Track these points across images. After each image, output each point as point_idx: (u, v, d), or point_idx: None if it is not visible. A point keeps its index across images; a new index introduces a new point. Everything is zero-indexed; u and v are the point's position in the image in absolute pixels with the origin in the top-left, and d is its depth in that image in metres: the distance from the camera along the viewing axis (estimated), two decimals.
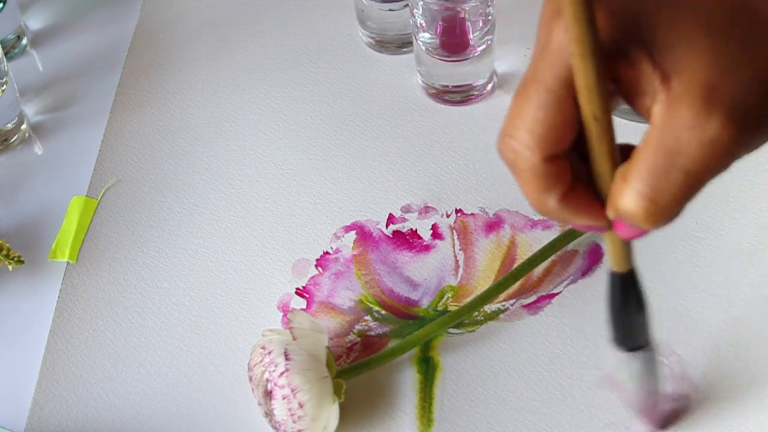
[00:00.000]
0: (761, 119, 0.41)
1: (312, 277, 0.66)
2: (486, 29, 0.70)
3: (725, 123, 0.39)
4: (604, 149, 0.42)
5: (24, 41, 0.81)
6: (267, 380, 0.56)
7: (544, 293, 0.63)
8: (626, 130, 0.71)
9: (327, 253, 0.67)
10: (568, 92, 0.41)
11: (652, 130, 0.40)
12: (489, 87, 0.74)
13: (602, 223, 0.44)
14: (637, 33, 0.41)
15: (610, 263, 0.48)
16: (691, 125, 0.39)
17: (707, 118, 0.39)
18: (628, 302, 0.49)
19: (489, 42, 0.71)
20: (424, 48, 0.71)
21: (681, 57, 0.40)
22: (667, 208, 0.41)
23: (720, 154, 0.40)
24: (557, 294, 0.63)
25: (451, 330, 0.62)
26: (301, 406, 0.55)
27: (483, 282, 0.64)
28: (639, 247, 0.64)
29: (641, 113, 0.42)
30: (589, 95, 0.40)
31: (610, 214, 0.43)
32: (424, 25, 0.70)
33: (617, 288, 0.49)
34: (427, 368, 0.61)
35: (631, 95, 0.41)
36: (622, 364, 0.53)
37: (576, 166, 0.43)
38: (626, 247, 0.47)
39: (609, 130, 0.41)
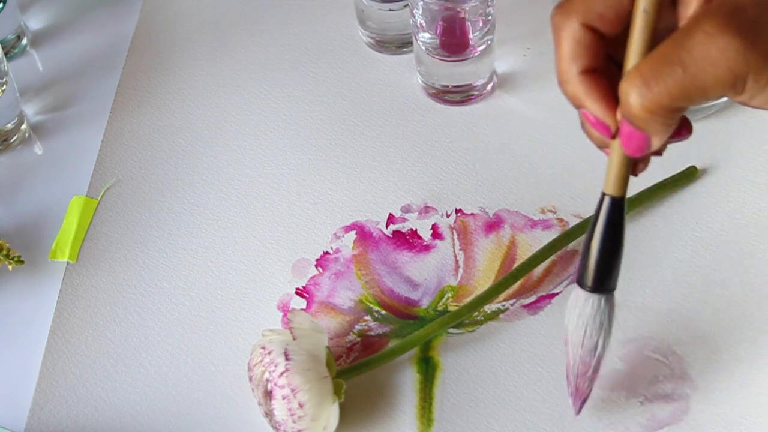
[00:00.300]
0: None
1: (312, 277, 0.66)
2: (486, 29, 0.70)
3: (737, 47, 0.42)
4: (640, 45, 0.45)
5: (24, 41, 0.81)
6: (267, 380, 0.56)
7: (544, 293, 0.63)
8: None
9: (327, 253, 0.67)
10: None
11: (681, 27, 0.43)
12: (489, 87, 0.74)
13: (610, 117, 0.46)
14: None
15: (604, 185, 0.49)
16: (707, 36, 0.42)
17: (722, 35, 0.42)
18: (610, 231, 0.49)
19: (489, 42, 0.71)
20: (424, 48, 0.71)
21: None
22: (657, 98, 0.43)
23: (723, 72, 0.42)
24: (557, 294, 0.63)
25: (451, 330, 0.62)
26: (301, 406, 0.55)
27: (483, 282, 0.64)
28: (639, 247, 0.64)
29: (678, 19, 0.45)
30: None
31: (619, 111, 0.45)
32: (424, 25, 0.70)
33: (605, 211, 0.49)
34: (427, 368, 0.61)
35: (681, 7, 0.45)
36: (578, 306, 0.52)
37: (614, 72, 0.47)
38: (625, 170, 0.48)
39: (651, 27, 0.45)
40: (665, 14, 0.46)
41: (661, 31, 0.46)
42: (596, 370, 0.54)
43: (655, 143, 0.46)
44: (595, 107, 0.47)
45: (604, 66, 0.47)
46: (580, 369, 0.55)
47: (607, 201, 0.49)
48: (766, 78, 0.43)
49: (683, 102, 0.44)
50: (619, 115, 0.46)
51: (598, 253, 0.50)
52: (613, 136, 0.47)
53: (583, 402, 0.56)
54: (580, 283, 0.52)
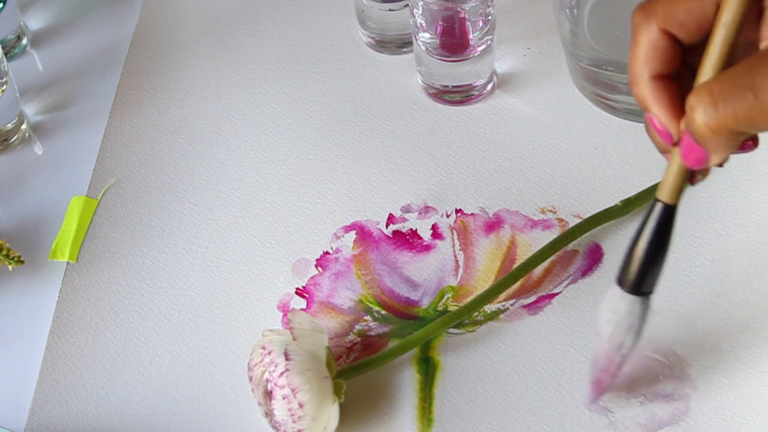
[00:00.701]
0: None
1: (312, 277, 0.66)
2: (486, 29, 0.70)
3: None
4: (716, 59, 0.45)
5: (24, 41, 0.81)
6: (267, 380, 0.56)
7: (544, 293, 0.63)
8: (631, 129, 0.71)
9: (327, 253, 0.67)
10: None
11: (761, 51, 0.43)
12: (489, 87, 0.74)
13: (674, 125, 0.46)
14: None
15: (659, 191, 0.49)
16: None
17: None
18: (659, 237, 0.50)
19: (489, 42, 0.71)
20: (424, 48, 0.71)
21: None
22: (722, 118, 0.43)
23: None
24: (557, 294, 0.63)
25: (451, 330, 0.62)
26: (301, 406, 0.55)
27: (483, 282, 0.64)
28: None
29: (760, 39, 0.45)
30: (728, 4, 0.44)
31: (683, 121, 0.45)
32: (424, 25, 0.70)
33: (656, 217, 0.49)
34: (427, 368, 0.61)
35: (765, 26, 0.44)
36: (613, 303, 0.52)
37: (687, 79, 0.47)
38: (682, 179, 0.48)
39: (730, 42, 0.44)
40: (748, 29, 0.45)
41: (741, 46, 0.45)
42: (619, 367, 0.55)
43: (714, 160, 0.46)
44: (660, 113, 0.47)
45: (678, 72, 0.47)
46: (604, 363, 0.55)
47: (659, 207, 0.49)
48: None
49: (748, 128, 0.43)
50: (682, 125, 0.46)
51: (643, 257, 0.51)
52: (675, 144, 0.47)
53: (601, 394, 0.56)
54: (620, 281, 0.52)
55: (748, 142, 0.47)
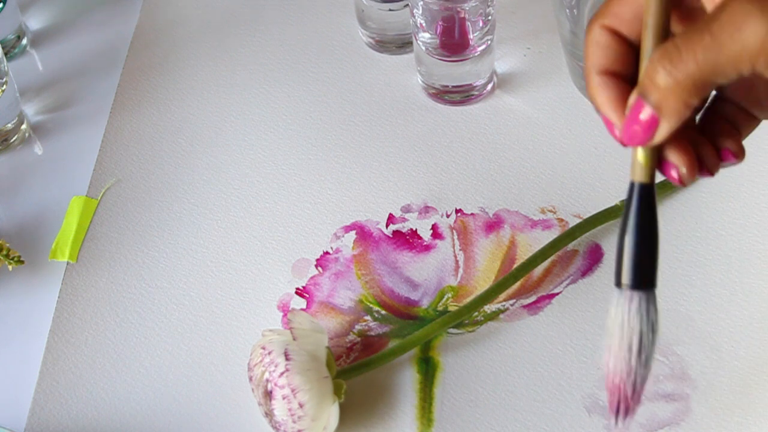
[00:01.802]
0: None
1: (312, 277, 0.66)
2: (486, 29, 0.70)
3: (762, 25, 0.41)
4: (655, 34, 0.45)
5: (24, 41, 0.81)
6: (267, 380, 0.56)
7: (544, 293, 0.63)
8: None
9: (327, 253, 0.67)
10: None
11: (703, 17, 0.43)
12: (489, 87, 0.74)
13: (617, 117, 0.46)
14: None
15: (632, 172, 0.46)
16: (734, 3, 0.42)
17: (749, 15, 0.41)
18: (643, 221, 0.46)
19: (489, 42, 0.71)
20: (424, 48, 0.71)
21: None
22: (685, 64, 0.43)
23: (750, 39, 0.42)
24: (557, 294, 0.63)
25: (451, 330, 0.62)
26: (301, 406, 0.55)
27: (483, 282, 0.64)
28: None
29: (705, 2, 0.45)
30: None
31: (633, 95, 0.45)
32: (424, 25, 0.70)
33: (634, 200, 0.46)
34: (427, 368, 0.61)
35: None
36: (618, 306, 0.47)
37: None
38: (651, 155, 0.46)
39: (665, 18, 0.45)
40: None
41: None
42: (643, 381, 0.48)
43: (663, 130, 0.44)
44: (607, 107, 0.47)
45: (629, 73, 0.47)
46: (622, 379, 0.49)
47: (637, 189, 0.46)
48: None
49: (714, 76, 0.43)
50: (632, 97, 0.45)
51: (633, 245, 0.46)
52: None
53: (626, 416, 0.49)
54: (617, 282, 0.47)
55: (730, 154, 0.46)
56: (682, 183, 0.46)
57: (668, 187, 0.66)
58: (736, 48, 0.42)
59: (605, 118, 0.47)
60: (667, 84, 0.44)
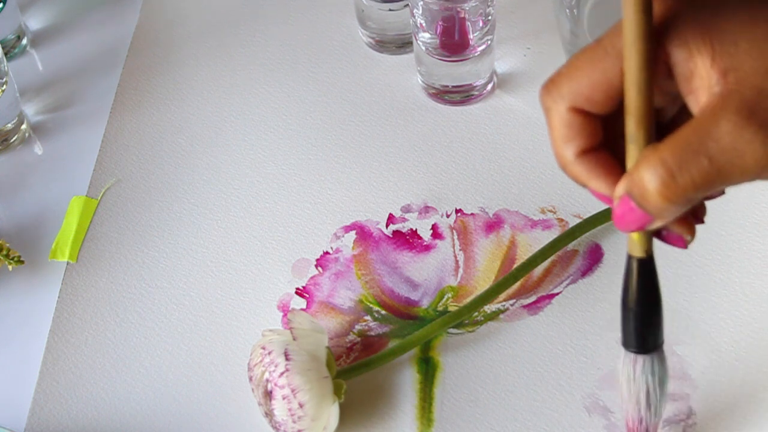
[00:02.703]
0: None
1: (312, 277, 0.66)
2: (486, 29, 0.70)
3: (763, 139, 0.41)
4: (641, 124, 0.43)
5: (24, 41, 0.81)
6: (267, 380, 0.56)
7: (544, 293, 0.63)
8: None
9: (327, 253, 0.67)
10: (618, 61, 0.43)
11: (698, 116, 0.42)
12: (489, 87, 0.74)
13: (611, 188, 0.45)
14: (701, 25, 0.42)
15: (629, 247, 0.47)
16: (734, 126, 0.41)
17: (749, 127, 0.41)
18: (640, 291, 0.48)
19: (489, 42, 0.71)
20: (424, 48, 0.71)
21: (742, 56, 0.42)
22: (682, 188, 0.42)
23: (749, 164, 0.41)
24: (557, 294, 0.63)
25: (451, 330, 0.62)
26: (301, 406, 0.55)
27: (483, 282, 0.64)
28: None
29: (688, 101, 0.43)
30: (638, 72, 0.42)
31: (621, 187, 0.44)
32: (424, 25, 0.70)
33: (631, 273, 0.48)
34: (427, 368, 0.61)
35: (683, 82, 0.43)
36: (626, 365, 0.50)
37: (617, 144, 0.45)
38: (647, 233, 0.46)
39: (646, 105, 0.43)
40: (663, 86, 0.44)
41: (664, 103, 0.45)
42: (655, 428, 0.53)
43: (656, 224, 0.44)
44: (599, 186, 0.45)
45: (604, 140, 0.46)
46: (638, 421, 0.52)
47: (633, 263, 0.47)
48: None
49: (706, 191, 0.42)
50: (620, 190, 0.44)
51: (635, 316, 0.49)
52: None
53: None
54: (624, 343, 0.50)
55: (679, 240, 0.46)
56: (686, 246, 0.46)
57: None
58: (736, 173, 0.41)
59: (600, 195, 0.46)
60: (660, 197, 0.42)
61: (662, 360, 0.50)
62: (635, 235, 0.46)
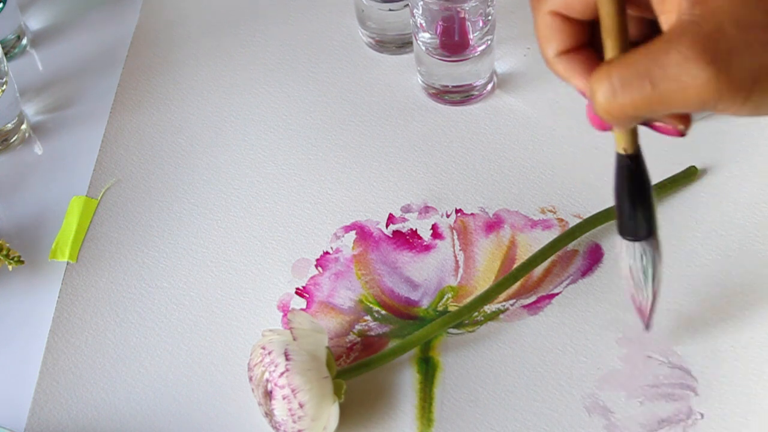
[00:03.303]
0: (754, 90, 0.42)
1: (312, 277, 0.66)
2: (486, 29, 0.70)
3: (709, 76, 0.42)
4: (611, 35, 0.45)
5: (24, 41, 0.81)
6: (267, 380, 0.56)
7: (544, 293, 0.63)
8: None
9: (327, 253, 0.67)
10: None
11: (656, 39, 0.43)
12: (489, 87, 0.74)
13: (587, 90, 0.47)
14: None
15: (616, 143, 0.49)
16: (682, 58, 0.42)
17: (696, 61, 0.42)
18: (630, 185, 0.50)
19: (489, 42, 0.71)
20: (424, 48, 0.71)
21: None
22: (622, 107, 0.44)
23: (692, 98, 0.42)
24: (557, 294, 0.63)
25: (451, 330, 0.62)
26: (301, 406, 0.55)
27: (483, 282, 0.64)
28: None
29: (661, 21, 0.45)
30: None
31: (587, 89, 0.46)
32: (424, 25, 0.70)
33: (618, 170, 0.50)
34: (427, 368, 0.61)
35: (657, 3, 0.45)
36: (622, 251, 0.54)
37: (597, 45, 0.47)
38: (631, 128, 0.48)
39: (617, 19, 0.45)
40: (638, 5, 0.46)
41: (637, 19, 0.47)
42: (653, 304, 0.56)
43: (619, 129, 0.47)
44: (578, 83, 0.48)
45: (590, 39, 0.48)
46: (636, 304, 0.57)
47: (621, 159, 0.50)
48: (738, 103, 0.42)
49: (646, 114, 0.44)
50: (587, 89, 0.47)
51: (626, 206, 0.52)
52: None
53: (648, 318, 0.57)
54: (619, 231, 0.53)
55: (672, 130, 0.47)
56: (682, 135, 0.47)
57: (668, 187, 0.66)
58: (677, 102, 0.43)
59: (581, 92, 0.48)
60: (604, 111, 0.44)
61: (650, 247, 0.53)
62: (616, 133, 0.49)
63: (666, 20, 0.44)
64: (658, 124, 0.46)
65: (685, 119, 0.46)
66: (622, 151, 0.50)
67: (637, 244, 0.53)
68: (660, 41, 0.43)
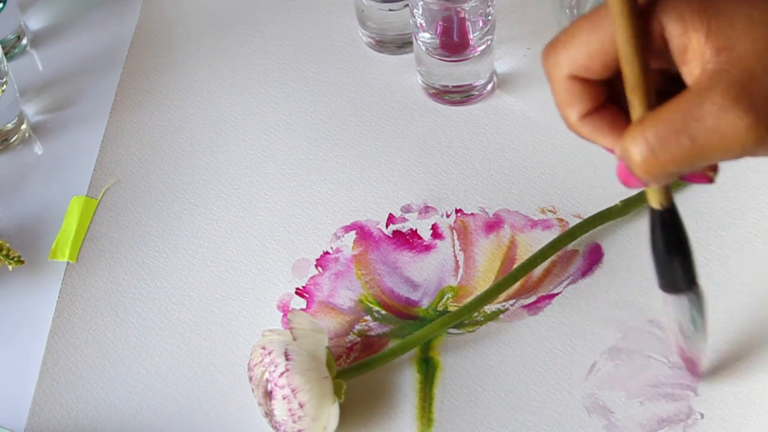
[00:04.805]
0: None
1: (312, 277, 0.66)
2: (486, 29, 0.70)
3: (748, 123, 0.41)
4: (636, 92, 0.44)
5: (24, 41, 0.81)
6: (267, 380, 0.56)
7: (544, 293, 0.63)
8: None
9: (327, 253, 0.67)
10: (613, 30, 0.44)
11: (686, 92, 0.42)
12: (489, 87, 0.74)
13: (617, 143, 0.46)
14: (699, 1, 0.43)
15: (648, 198, 0.49)
16: (719, 109, 0.41)
17: (734, 110, 0.41)
18: (665, 240, 0.50)
19: (489, 42, 0.71)
20: (424, 48, 0.71)
21: (737, 37, 0.42)
22: (662, 165, 0.43)
23: (733, 146, 0.42)
24: (557, 294, 0.63)
25: (451, 330, 0.62)
26: (301, 406, 0.55)
27: (483, 282, 0.64)
28: (639, 248, 0.64)
29: (682, 71, 0.44)
30: (626, 45, 0.43)
31: (617, 150, 0.45)
32: (424, 25, 0.70)
33: (654, 225, 0.50)
34: (427, 368, 0.61)
35: (677, 54, 0.44)
36: (668, 306, 0.54)
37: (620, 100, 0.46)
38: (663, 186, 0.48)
39: (640, 75, 0.44)
40: (660, 53, 0.45)
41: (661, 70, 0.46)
42: (698, 356, 0.57)
43: (655, 187, 0.47)
44: (606, 142, 0.47)
45: (612, 94, 0.47)
46: (684, 358, 0.58)
47: (654, 215, 0.50)
48: None
49: (686, 169, 0.43)
50: (617, 152, 0.46)
51: (661, 261, 0.51)
52: None
53: (696, 370, 0.58)
54: (661, 286, 0.53)
55: (702, 177, 0.47)
56: (711, 181, 0.47)
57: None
58: (718, 153, 0.42)
59: (610, 150, 0.47)
60: (642, 171, 0.43)
61: (696, 296, 0.53)
62: (648, 189, 0.48)
63: (689, 71, 0.44)
64: (688, 174, 0.46)
65: (715, 166, 0.46)
66: (658, 207, 0.49)
67: (684, 297, 0.53)
68: (690, 94, 0.42)
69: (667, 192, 0.48)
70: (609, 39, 0.44)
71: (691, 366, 0.58)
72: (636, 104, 0.45)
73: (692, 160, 0.42)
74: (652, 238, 0.50)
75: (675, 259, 0.51)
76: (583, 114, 0.46)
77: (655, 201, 0.49)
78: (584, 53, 0.45)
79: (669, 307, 0.54)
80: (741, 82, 0.41)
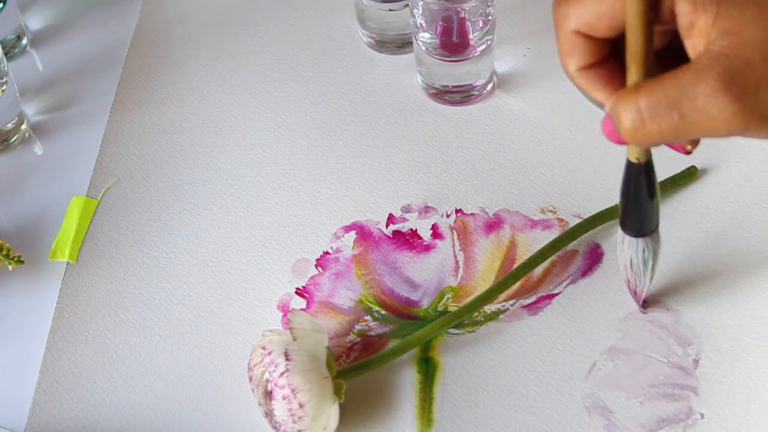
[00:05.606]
0: None
1: (312, 277, 0.66)
2: (486, 29, 0.70)
3: (735, 111, 0.43)
4: (636, 58, 0.46)
5: (24, 41, 0.81)
6: (267, 380, 0.56)
7: (544, 293, 0.63)
8: None
9: (327, 253, 0.67)
10: None
11: (684, 68, 0.44)
12: (489, 87, 0.74)
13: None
14: None
15: (628, 152, 0.51)
16: (711, 91, 0.43)
17: (724, 95, 0.43)
18: (641, 188, 0.53)
19: (489, 42, 0.71)
20: (424, 48, 0.71)
21: (744, 23, 0.43)
22: (648, 134, 0.45)
23: (719, 128, 0.43)
24: (557, 294, 0.63)
25: (451, 330, 0.62)
26: (301, 406, 0.55)
27: (483, 282, 0.64)
28: None
29: (686, 45, 0.45)
30: (634, 17, 0.45)
31: (607, 106, 0.47)
32: (424, 25, 0.70)
33: (629, 174, 0.53)
34: (427, 368, 0.61)
35: (684, 30, 0.45)
36: (623, 244, 0.57)
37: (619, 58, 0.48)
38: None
39: (643, 43, 0.46)
40: (667, 24, 0.47)
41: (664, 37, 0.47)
42: (643, 290, 0.60)
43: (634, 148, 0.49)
44: (599, 96, 0.49)
45: (612, 52, 0.49)
46: (632, 290, 0.61)
47: (632, 167, 0.52)
48: (764, 132, 0.44)
49: (671, 140, 0.45)
50: (606, 108, 0.48)
51: (636, 211, 0.55)
52: None
53: (641, 300, 0.61)
54: (622, 226, 0.57)
55: (680, 147, 0.49)
56: (688, 153, 0.50)
57: (668, 187, 0.66)
58: (704, 131, 0.44)
59: (600, 102, 0.49)
60: (630, 136, 0.45)
61: (653, 242, 0.57)
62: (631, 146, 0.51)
63: (692, 45, 0.45)
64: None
65: (695, 141, 0.48)
66: (635, 161, 0.51)
67: (640, 240, 0.56)
68: (688, 71, 0.43)
69: (647, 150, 0.51)
70: (620, 4, 0.46)
71: (635, 297, 0.61)
72: (634, 71, 0.47)
73: (678, 133, 0.44)
74: (625, 186, 0.53)
75: (643, 206, 0.54)
76: (582, 66, 0.48)
77: (633, 156, 0.51)
78: (593, 13, 0.47)
79: (624, 245, 0.57)
80: (737, 69, 0.43)
